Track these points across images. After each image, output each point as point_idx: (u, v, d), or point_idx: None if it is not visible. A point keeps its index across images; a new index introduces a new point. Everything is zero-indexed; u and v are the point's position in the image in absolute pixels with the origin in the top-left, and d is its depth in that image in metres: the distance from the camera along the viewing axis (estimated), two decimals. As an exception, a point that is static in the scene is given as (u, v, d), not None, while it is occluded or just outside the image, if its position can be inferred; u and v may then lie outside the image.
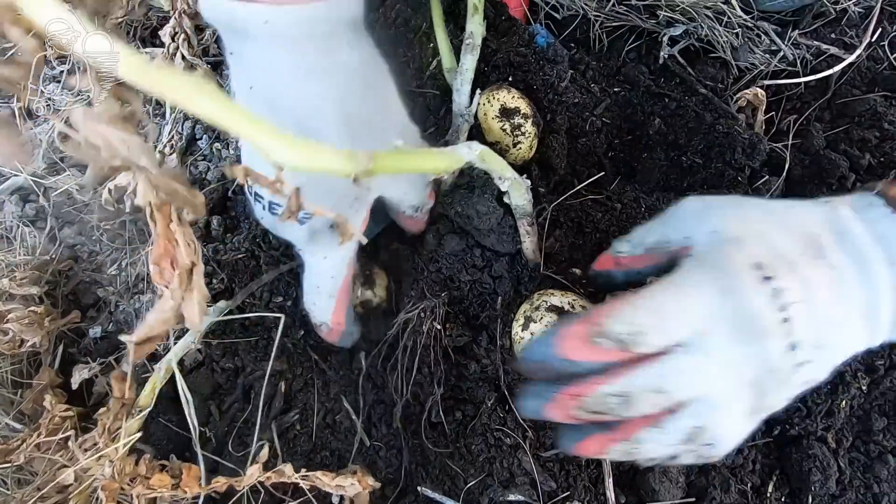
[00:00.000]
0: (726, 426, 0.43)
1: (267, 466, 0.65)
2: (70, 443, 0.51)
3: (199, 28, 0.84)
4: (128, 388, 0.54)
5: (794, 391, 0.44)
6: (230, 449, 0.65)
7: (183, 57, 0.82)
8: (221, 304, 0.71)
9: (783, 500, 0.68)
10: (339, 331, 0.62)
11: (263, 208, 0.53)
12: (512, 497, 0.59)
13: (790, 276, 0.41)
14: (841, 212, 0.45)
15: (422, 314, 0.57)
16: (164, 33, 0.80)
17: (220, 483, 0.53)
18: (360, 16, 0.50)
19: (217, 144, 0.79)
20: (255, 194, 0.52)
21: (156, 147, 0.78)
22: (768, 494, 0.67)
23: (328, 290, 0.59)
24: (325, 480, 0.52)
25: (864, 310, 0.43)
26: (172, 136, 0.79)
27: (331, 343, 0.64)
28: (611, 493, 0.58)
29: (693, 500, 0.64)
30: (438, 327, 0.57)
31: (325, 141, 0.35)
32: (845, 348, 0.44)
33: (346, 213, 0.53)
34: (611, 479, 0.60)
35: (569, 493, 0.59)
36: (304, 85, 0.47)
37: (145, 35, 0.88)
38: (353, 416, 0.67)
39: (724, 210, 0.47)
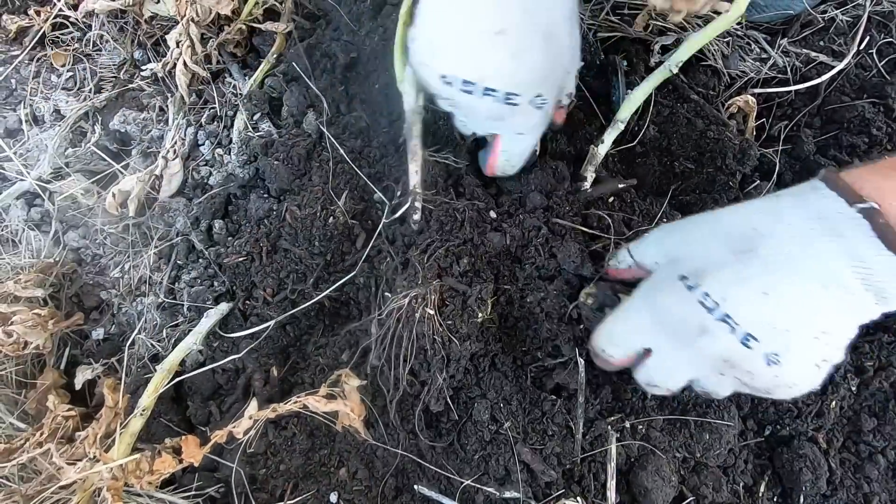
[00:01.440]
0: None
1: (265, 464, 0.66)
2: (54, 455, 0.51)
3: (205, 37, 0.86)
4: (121, 398, 0.54)
5: (774, 377, 0.48)
6: (229, 448, 0.66)
7: (185, 64, 0.84)
8: (223, 306, 0.73)
9: (775, 499, 0.69)
10: None
11: (496, 101, 0.55)
12: (507, 494, 0.60)
13: (715, 277, 0.48)
14: (782, 202, 0.50)
15: (413, 302, 0.58)
16: (170, 38, 0.82)
17: (220, 434, 0.54)
18: None
19: (219, 150, 0.81)
20: (486, 90, 0.54)
21: (159, 152, 0.80)
22: (760, 494, 0.68)
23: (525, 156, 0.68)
24: (316, 404, 0.53)
25: (824, 280, 0.45)
26: (175, 142, 0.80)
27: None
28: (612, 493, 0.59)
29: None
30: (431, 313, 0.58)
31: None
32: (820, 323, 0.46)
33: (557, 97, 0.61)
34: (613, 481, 0.61)
35: (563, 490, 0.60)
36: None
37: (147, 43, 0.89)
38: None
39: (675, 236, 0.57)
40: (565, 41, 0.56)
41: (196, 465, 0.54)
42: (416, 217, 0.67)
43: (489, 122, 0.61)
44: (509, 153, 0.66)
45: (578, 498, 0.58)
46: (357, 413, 0.54)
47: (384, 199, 0.71)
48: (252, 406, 0.54)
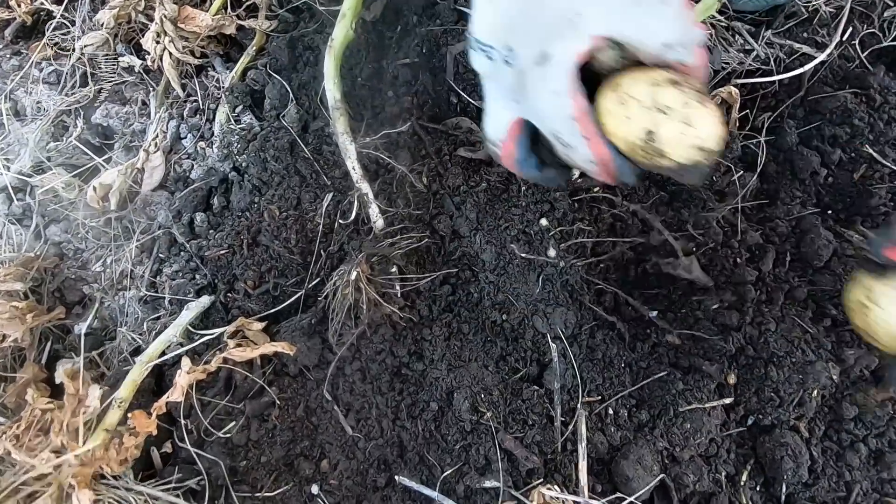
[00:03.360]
0: None
1: (245, 456, 0.66)
2: (12, 451, 0.51)
3: (184, 35, 0.85)
4: (81, 384, 0.54)
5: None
6: (210, 441, 0.66)
7: (170, 54, 0.83)
8: (205, 299, 0.73)
9: (758, 488, 0.69)
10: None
11: (485, 56, 0.47)
12: (487, 483, 0.60)
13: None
14: None
15: (337, 280, 0.59)
16: (147, 39, 0.82)
17: (159, 405, 0.53)
18: None
19: (201, 143, 0.81)
20: (479, 43, 0.47)
21: (141, 146, 0.80)
22: (742, 482, 0.68)
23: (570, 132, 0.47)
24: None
25: None
26: (157, 135, 0.80)
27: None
28: (583, 475, 0.59)
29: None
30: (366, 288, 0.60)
31: None
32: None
33: (553, 46, 0.44)
34: (584, 462, 0.60)
35: (543, 478, 0.60)
36: None
37: (133, 39, 0.89)
38: (336, 408, 0.68)
39: None
40: None
41: (153, 434, 0.55)
42: (374, 216, 0.67)
43: (492, 87, 0.51)
44: (485, 126, 0.53)
45: (556, 486, 0.57)
46: (270, 350, 0.55)
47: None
48: (184, 365, 0.54)
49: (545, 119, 0.48)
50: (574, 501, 0.55)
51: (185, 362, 0.58)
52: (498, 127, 0.51)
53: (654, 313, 0.75)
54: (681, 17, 0.43)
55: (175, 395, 0.55)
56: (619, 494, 0.60)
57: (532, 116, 0.49)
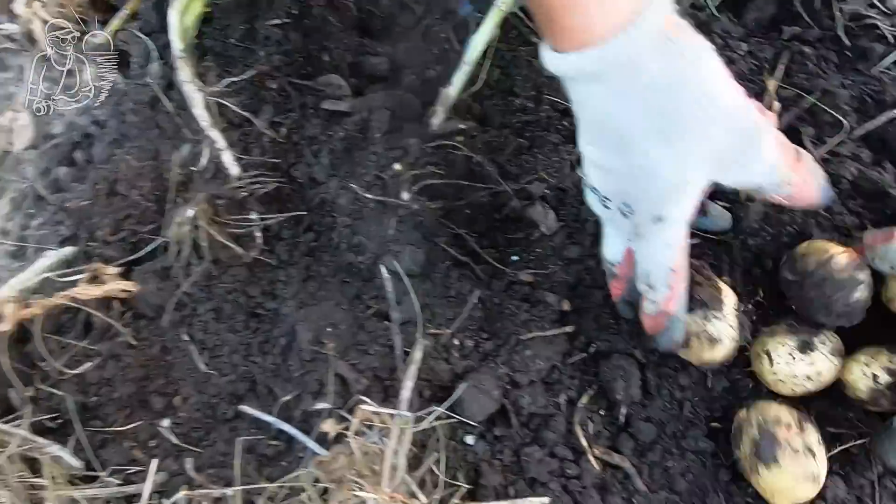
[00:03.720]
0: None
1: (97, 392, 0.69)
2: None
3: (59, 1, 0.87)
4: None
5: None
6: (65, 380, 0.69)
7: (42, 20, 0.85)
8: (67, 249, 0.75)
9: (600, 412, 0.73)
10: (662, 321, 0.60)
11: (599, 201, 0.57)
12: (319, 405, 0.64)
13: None
14: None
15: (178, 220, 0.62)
16: (18, 4, 0.84)
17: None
18: (666, 25, 0.45)
19: (73, 102, 0.83)
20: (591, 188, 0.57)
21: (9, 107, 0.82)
22: (581, 406, 0.71)
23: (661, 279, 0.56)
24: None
25: None
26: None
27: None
28: (406, 392, 0.63)
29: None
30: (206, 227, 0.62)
31: (640, 149, 0.48)
32: None
33: (668, 209, 0.52)
34: (411, 382, 0.64)
35: (375, 394, 0.64)
36: (619, 108, 0.48)
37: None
38: (190, 346, 0.71)
39: None
40: (649, 150, 0.49)
41: None
42: (228, 164, 0.69)
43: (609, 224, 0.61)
44: (603, 249, 0.64)
45: (374, 402, 0.60)
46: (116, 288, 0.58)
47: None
48: (3, 292, 0.56)
49: (648, 259, 0.56)
50: (390, 414, 0.58)
51: (3, 291, 0.61)
52: (615, 252, 0.62)
53: (516, 258, 0.79)
54: (774, 168, 0.52)
55: (3, 326, 0.58)
56: (444, 410, 0.64)
57: (638, 253, 0.57)
